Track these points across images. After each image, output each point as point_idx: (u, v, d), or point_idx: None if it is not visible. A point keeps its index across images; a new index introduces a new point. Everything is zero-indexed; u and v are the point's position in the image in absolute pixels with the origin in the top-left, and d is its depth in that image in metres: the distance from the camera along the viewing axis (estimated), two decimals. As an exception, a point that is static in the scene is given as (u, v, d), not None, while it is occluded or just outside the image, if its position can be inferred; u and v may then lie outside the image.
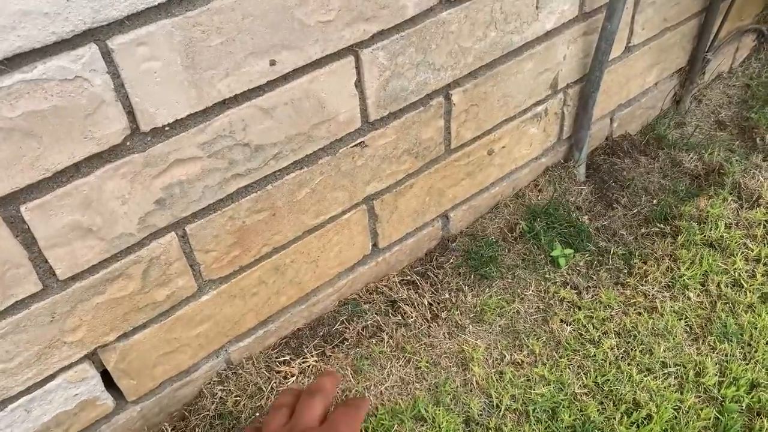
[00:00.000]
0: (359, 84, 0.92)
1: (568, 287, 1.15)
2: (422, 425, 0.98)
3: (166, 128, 0.77)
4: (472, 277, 1.17)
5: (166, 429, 1.02)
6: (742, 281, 1.14)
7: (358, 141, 0.98)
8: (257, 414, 1.00)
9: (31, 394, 0.85)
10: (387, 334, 1.10)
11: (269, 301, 1.04)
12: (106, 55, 0.68)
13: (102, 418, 0.95)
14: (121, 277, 0.83)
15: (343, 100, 0.91)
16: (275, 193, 0.92)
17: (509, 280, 1.17)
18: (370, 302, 1.15)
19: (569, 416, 0.96)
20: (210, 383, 1.04)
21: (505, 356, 1.05)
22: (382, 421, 0.98)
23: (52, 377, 0.86)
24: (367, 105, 0.95)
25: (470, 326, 1.10)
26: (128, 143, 0.75)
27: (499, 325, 1.10)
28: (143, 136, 0.76)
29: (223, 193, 0.87)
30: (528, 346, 1.06)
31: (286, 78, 0.84)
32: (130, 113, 0.73)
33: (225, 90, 0.79)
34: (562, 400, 0.99)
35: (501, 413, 0.98)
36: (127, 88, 0.71)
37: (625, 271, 1.18)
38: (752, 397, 0.98)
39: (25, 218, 0.72)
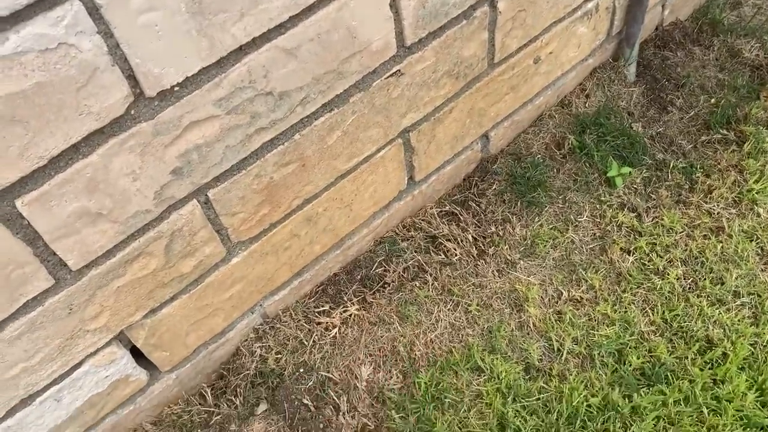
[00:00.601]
0: (394, 4, 0.77)
1: (626, 210, 1.05)
2: (479, 375, 0.91)
3: (176, 89, 0.63)
4: (519, 204, 1.06)
5: (205, 390, 0.96)
6: (818, 193, 1.04)
7: (394, 70, 0.83)
8: (301, 370, 0.94)
9: (59, 384, 0.77)
10: (430, 275, 1.01)
11: (302, 253, 0.94)
12: (94, 11, 0.54)
13: (137, 391, 0.89)
14: (141, 256, 0.73)
15: (376, 25, 0.76)
16: (304, 142, 0.80)
17: (560, 206, 1.06)
18: (408, 239, 1.05)
19: (637, 358, 0.90)
20: (247, 341, 0.97)
21: (562, 293, 0.97)
22: (437, 374, 0.92)
23: (78, 365, 0.78)
24: (404, 27, 0.80)
25: (521, 261, 1.01)
26: (133, 112, 0.62)
27: (553, 258, 1.01)
28: (149, 102, 0.62)
29: (246, 151, 0.74)
30: (587, 281, 0.98)
31: (311, 9, 0.69)
32: (131, 78, 0.60)
33: (241, 34, 0.64)
34: (628, 340, 0.91)
35: (563, 358, 0.91)
36: (124, 49, 0.57)
37: (687, 187, 1.07)
38: (835, 328, 0.91)
39: (23, 213, 0.61)
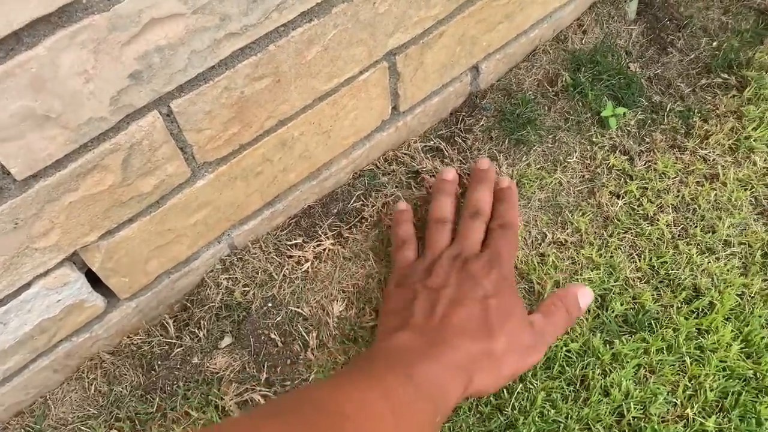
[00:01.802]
0: None
1: (618, 152, 1.00)
2: (456, 317, 0.87)
3: (132, -23, 0.56)
4: (507, 142, 1.01)
5: (166, 321, 0.91)
6: (817, 143, 1.00)
7: (381, -19, 0.76)
8: (269, 304, 0.89)
9: (5, 306, 0.72)
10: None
11: (276, 180, 0.88)
12: None
13: (93, 319, 0.83)
14: (95, 169, 0.67)
15: (363, -74, 0.69)
16: (279, 55, 0.73)
17: (549, 145, 1.01)
18: (389, 173, 1.00)
19: (621, 305, 0.86)
20: (213, 271, 0.92)
21: (546, 235, 0.93)
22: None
23: (27, 286, 0.72)
24: (394, -67, 0.73)
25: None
26: (84, 0, 0.55)
27: (539, 199, 0.96)
28: (103, -10, 0.55)
29: (214, 59, 0.67)
30: (572, 224, 0.93)
31: None
32: (80, -44, 0.52)
33: None
34: (612, 286, 0.88)
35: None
36: None
37: (683, 131, 1.02)
38: (826, 281, 0.88)
39: (-45, 109, 0.54)
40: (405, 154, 1.01)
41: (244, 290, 0.90)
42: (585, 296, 0.81)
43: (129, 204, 0.73)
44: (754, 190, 0.96)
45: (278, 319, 0.88)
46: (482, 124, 1.03)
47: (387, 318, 0.78)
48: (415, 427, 0.61)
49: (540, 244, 0.92)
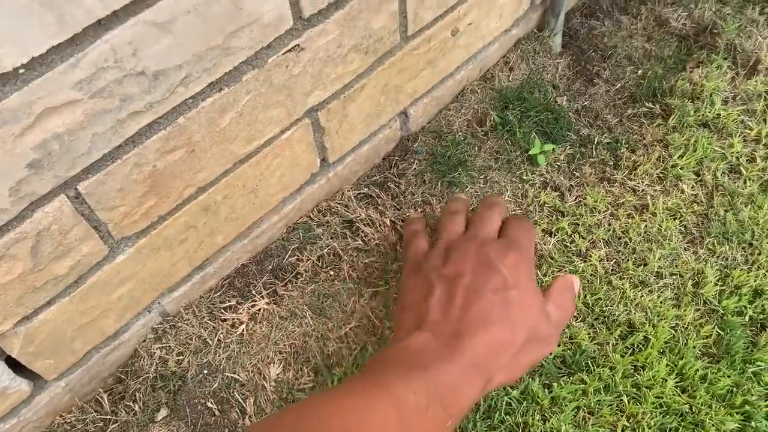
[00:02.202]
0: (286, -29, 0.69)
1: (549, 188, 1.01)
2: (395, 370, 0.86)
3: (21, 72, 0.55)
4: (440, 185, 1.01)
5: (101, 396, 0.88)
6: (741, 167, 1.01)
7: (292, 45, 0.76)
8: (205, 371, 0.87)
9: None
10: (347, 262, 0.95)
11: (203, 245, 0.86)
12: None
13: (20, 403, 0.81)
14: (2, 260, 0.65)
15: (266, -5, 0.69)
16: (190, 126, 0.72)
17: (481, 185, 1.01)
18: (324, 225, 0.99)
19: (558, 346, 0.86)
20: (145, 341, 0.90)
21: (482, 279, 0.92)
22: (351, 371, 0.86)
23: (-61, 382, 0.70)
24: (299, -3, 0.72)
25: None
26: (-34, 100, 0.53)
27: (474, 242, 0.95)
28: (-13, 87, 0.54)
29: (120, 138, 0.66)
30: (507, 265, 0.93)
31: (183, -23, 0.60)
32: (-43, 60, 0.51)
33: (96, 7, 0.55)
34: (549, 327, 0.88)
35: (482, 349, 0.87)
36: (-59, 25, 0.48)
37: (611, 163, 1.04)
38: (756, 308, 0.89)
39: None
40: (339, 203, 1.01)
41: (178, 359, 0.88)
42: (578, 284, 0.82)
43: (44, 288, 0.71)
44: (683, 218, 0.97)
45: (214, 386, 0.86)
46: (415, 168, 1.03)
47: (403, 314, 0.74)
48: None
49: (476, 289, 0.92)
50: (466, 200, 0.92)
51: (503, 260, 0.74)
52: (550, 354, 0.76)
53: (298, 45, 0.76)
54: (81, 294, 0.76)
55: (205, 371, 0.87)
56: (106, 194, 0.69)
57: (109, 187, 0.69)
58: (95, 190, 0.68)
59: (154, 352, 0.88)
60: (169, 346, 0.89)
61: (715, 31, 1.19)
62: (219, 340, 0.89)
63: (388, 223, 0.97)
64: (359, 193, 1.02)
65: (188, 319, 0.90)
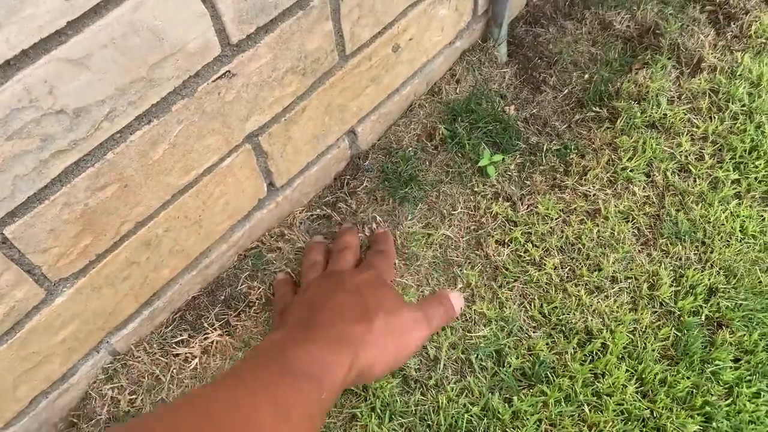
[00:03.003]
0: (208, -2, 0.68)
1: (501, 199, 1.00)
2: (353, 395, 0.85)
3: (-76, 117, 0.53)
4: (392, 201, 1.00)
5: (53, 442, 0.85)
6: (690, 166, 1.02)
7: (222, 71, 0.74)
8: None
9: None
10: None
11: (148, 280, 0.84)
12: None
13: (-37, 458, 0.78)
14: (-75, 312, 0.62)
15: (188, 24, 0.67)
16: (121, 161, 0.70)
17: (434, 200, 1.00)
18: (276, 250, 0.97)
19: (517, 358, 0.85)
20: (96, 382, 0.87)
21: (438, 295, 0.91)
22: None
23: None
24: (225, 24, 0.71)
25: (396, 262, 0.94)
26: None
27: (428, 257, 0.95)
28: None
29: (45, 179, 0.64)
30: (463, 278, 0.93)
31: (96, 12, 0.59)
32: None
33: (2, 47, 0.54)
34: (506, 340, 0.87)
35: (441, 367, 0.85)
36: None
37: (562, 170, 1.03)
38: (711, 306, 0.89)
39: None
40: (290, 227, 0.99)
41: (131, 398, 0.86)
42: (458, 300, 0.83)
43: (-23, 337, 0.69)
44: (635, 221, 0.97)
45: (168, 424, 0.83)
46: (366, 186, 1.02)
47: (273, 328, 0.82)
48: (298, 409, 0.59)
49: (433, 305, 0.91)
50: (323, 243, 0.95)
51: (357, 277, 0.80)
52: (426, 338, 0.77)
53: (229, 71, 0.75)
54: (19, 340, 0.73)
55: (188, 385, 0.85)
56: (36, 236, 0.67)
57: (38, 229, 0.67)
58: (24, 234, 0.66)
59: (106, 393, 0.86)
60: (121, 385, 0.86)
61: (658, 31, 1.20)
62: (172, 376, 0.86)
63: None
64: (311, 215, 1.01)
65: (139, 357, 0.88)
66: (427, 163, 1.04)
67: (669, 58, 1.15)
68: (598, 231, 0.95)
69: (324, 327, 0.69)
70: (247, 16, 0.72)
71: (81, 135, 0.64)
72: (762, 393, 0.83)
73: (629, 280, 0.91)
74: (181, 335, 0.90)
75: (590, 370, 0.84)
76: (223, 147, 0.81)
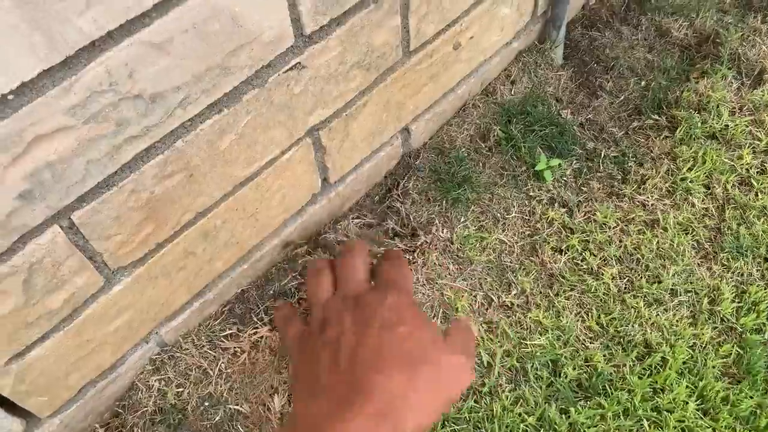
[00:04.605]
0: (287, -13, 0.66)
1: (557, 205, 0.98)
2: (405, 398, 0.83)
3: (10, 98, 0.51)
4: (444, 202, 0.98)
5: (97, 431, 0.84)
6: (752, 179, 0.99)
7: (293, 63, 0.73)
8: (206, 403, 0.84)
9: None
10: (351, 286, 0.91)
11: (202, 271, 0.83)
12: None
13: (11, 444, 0.76)
14: (-9, 296, 0.61)
15: (266, 11, 0.65)
16: (189, 150, 0.69)
17: (487, 203, 0.98)
18: (323, 248, 0.95)
19: (573, 369, 0.83)
20: (143, 373, 0.86)
21: (492, 300, 0.90)
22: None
23: (-75, 426, 0.66)
24: (301, 14, 0.69)
25: (450, 266, 0.92)
26: (-48, 129, 0.50)
27: (482, 261, 0.93)
28: (-27, 116, 0.50)
29: (116, 165, 0.63)
30: (517, 284, 0.91)
31: (181, -5, 0.57)
32: (-59, 86, 0.47)
33: (90, 28, 0.52)
34: (563, 350, 0.85)
35: (495, 374, 0.84)
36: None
37: (620, 177, 1.01)
38: (775, 325, 0.86)
39: None
40: (340, 225, 0.97)
41: (177, 391, 0.84)
42: (474, 326, 0.79)
43: (38, 323, 0.67)
44: (695, 233, 0.95)
45: (216, 419, 0.82)
46: (418, 186, 1.00)
47: (297, 392, 0.69)
48: None
49: (487, 310, 0.89)
50: (327, 261, 0.80)
51: (382, 304, 0.66)
52: (469, 386, 0.69)
53: (300, 63, 0.73)
54: (76, 327, 0.72)
55: (207, 403, 0.84)
56: (101, 223, 0.66)
57: (104, 215, 0.65)
58: (90, 220, 0.64)
59: (153, 385, 0.84)
60: (168, 377, 0.85)
61: (717, 40, 1.17)
62: (220, 370, 0.85)
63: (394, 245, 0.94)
64: (361, 214, 0.99)
65: (187, 349, 0.86)
66: (481, 164, 1.02)
67: (729, 68, 1.12)
68: (658, 242, 0.93)
69: (362, 394, 0.58)
70: (322, 6, 0.71)
71: (154, 121, 0.63)
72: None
73: (689, 294, 0.89)
74: (229, 329, 0.88)
75: (649, 385, 0.82)
76: (286, 140, 0.80)
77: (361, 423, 0.56)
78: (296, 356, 0.70)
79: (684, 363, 0.83)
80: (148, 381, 0.85)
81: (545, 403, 0.80)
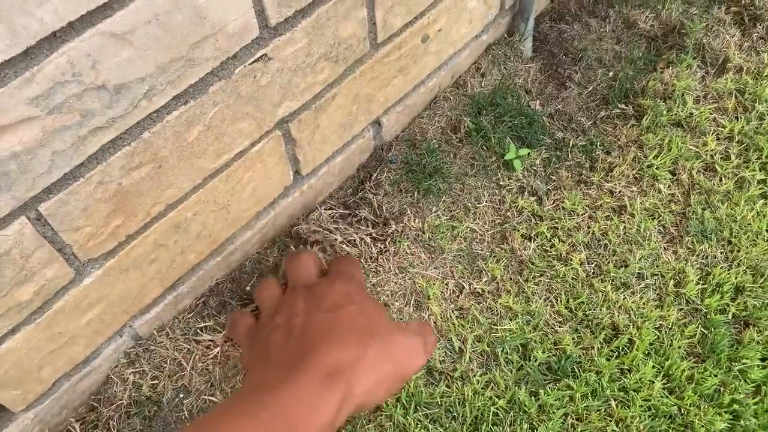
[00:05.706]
0: (250, -21, 0.67)
1: (526, 194, 1.00)
2: (378, 385, 0.84)
3: (-30, 87, 0.52)
4: (416, 193, 0.99)
5: (72, 426, 0.85)
6: (716, 165, 1.02)
7: (259, 54, 0.74)
8: (181, 395, 0.84)
9: None
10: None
11: (174, 264, 0.84)
12: None
13: (-15, 439, 0.77)
14: (-41, 288, 0.61)
15: (230, 3, 0.67)
16: (156, 141, 0.69)
17: (458, 192, 1.00)
18: (300, 241, 0.96)
19: (543, 352, 0.85)
20: (118, 366, 0.86)
21: (463, 287, 0.91)
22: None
23: None
24: (265, 5, 0.70)
25: (422, 254, 0.94)
26: None
27: (453, 250, 0.94)
28: (-66, 105, 0.51)
29: (82, 156, 0.63)
30: (488, 272, 0.92)
31: (142, -14, 0.58)
32: None
33: (51, 18, 0.53)
34: (533, 334, 0.86)
35: (466, 358, 0.85)
36: None
37: (588, 165, 1.03)
38: (738, 305, 0.88)
39: None
40: (313, 219, 0.98)
41: (152, 383, 0.85)
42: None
43: (7, 315, 0.68)
44: (661, 218, 0.97)
45: (191, 410, 0.83)
46: (390, 178, 1.01)
47: (248, 369, 0.67)
48: None
49: (458, 297, 0.90)
50: (276, 279, 0.79)
51: (332, 288, 0.68)
52: (423, 366, 0.71)
53: (265, 54, 0.74)
54: (47, 320, 0.72)
55: (181, 395, 0.84)
56: (69, 215, 0.66)
57: (72, 207, 0.66)
58: (58, 211, 0.65)
59: (128, 378, 0.85)
60: (143, 370, 0.85)
61: (683, 31, 1.19)
62: (194, 362, 0.86)
63: (368, 239, 0.95)
64: (335, 204, 1.00)
65: (162, 342, 0.87)
66: (452, 155, 1.03)
67: (694, 58, 1.15)
68: (624, 227, 0.95)
69: (310, 361, 0.59)
70: (286, -2, 0.72)
71: (119, 112, 0.64)
72: (789, 393, 0.83)
73: (655, 277, 0.91)
74: (204, 321, 0.89)
75: (617, 366, 0.83)
76: (255, 132, 0.81)
77: (314, 383, 0.56)
78: (246, 345, 0.70)
79: (650, 344, 0.85)
80: (122, 374, 0.85)
81: (515, 386, 0.82)
